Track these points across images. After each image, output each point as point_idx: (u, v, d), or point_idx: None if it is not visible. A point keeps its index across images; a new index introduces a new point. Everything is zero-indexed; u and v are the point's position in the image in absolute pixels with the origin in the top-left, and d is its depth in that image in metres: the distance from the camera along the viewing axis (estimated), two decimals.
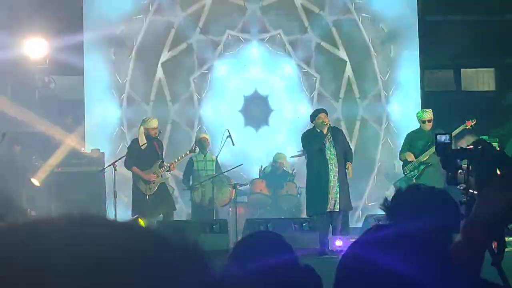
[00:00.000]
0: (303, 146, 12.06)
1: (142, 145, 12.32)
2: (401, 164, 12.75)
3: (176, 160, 12.62)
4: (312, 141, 11.66)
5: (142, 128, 12.47)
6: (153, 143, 12.41)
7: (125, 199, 13.52)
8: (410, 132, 12.76)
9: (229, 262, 3.07)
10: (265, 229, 10.70)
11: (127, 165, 12.45)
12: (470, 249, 2.29)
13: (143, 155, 12.34)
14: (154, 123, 12.55)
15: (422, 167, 12.22)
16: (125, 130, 14.81)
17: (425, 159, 12.19)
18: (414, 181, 12.01)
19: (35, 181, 13.46)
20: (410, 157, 12.31)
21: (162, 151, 12.72)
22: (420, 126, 12.45)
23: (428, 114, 12.45)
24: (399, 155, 12.72)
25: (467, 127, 12.18)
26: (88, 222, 1.02)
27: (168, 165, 12.49)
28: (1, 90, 15.11)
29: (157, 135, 12.52)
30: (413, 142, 12.47)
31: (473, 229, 2.31)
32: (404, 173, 12.50)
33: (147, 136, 12.36)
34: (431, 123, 12.37)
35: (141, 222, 11.77)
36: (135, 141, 12.60)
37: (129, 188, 12.62)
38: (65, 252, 0.95)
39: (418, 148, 12.32)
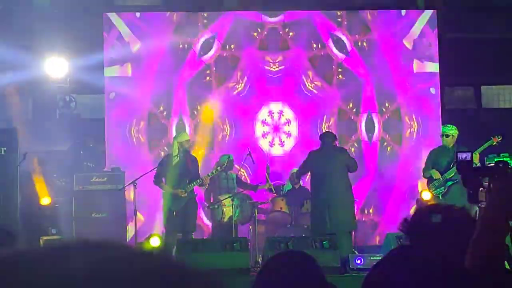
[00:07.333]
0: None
1: (174, 161, 12.27)
2: (425, 182, 12.60)
3: (208, 175, 12.50)
4: (310, 161, 11.93)
5: (176, 142, 12.43)
6: (186, 159, 12.35)
7: (144, 218, 13.52)
8: (434, 149, 12.64)
9: (256, 282, 3.07)
10: (285, 248, 10.67)
11: (156, 181, 12.40)
12: (490, 238, 2.29)
13: (173, 170, 12.27)
14: (186, 135, 12.61)
15: (449, 183, 12.05)
16: (146, 148, 14.80)
17: (451, 176, 12.02)
18: (440, 198, 11.94)
19: (46, 200, 13.40)
20: (436, 174, 12.18)
21: (196, 167, 12.49)
22: (443, 143, 12.31)
23: (451, 129, 12.31)
24: (423, 172, 12.56)
25: (494, 144, 11.92)
26: (106, 248, 0.99)
27: (200, 180, 12.33)
28: (22, 110, 15.20)
29: (190, 147, 12.52)
30: (436, 159, 12.32)
31: (491, 216, 2.32)
32: (429, 190, 12.34)
33: (181, 149, 12.28)
34: (454, 139, 12.22)
35: (154, 238, 11.78)
36: (167, 156, 12.59)
37: (149, 206, 12.59)
38: (81, 280, 0.92)
39: (442, 165, 12.17)
